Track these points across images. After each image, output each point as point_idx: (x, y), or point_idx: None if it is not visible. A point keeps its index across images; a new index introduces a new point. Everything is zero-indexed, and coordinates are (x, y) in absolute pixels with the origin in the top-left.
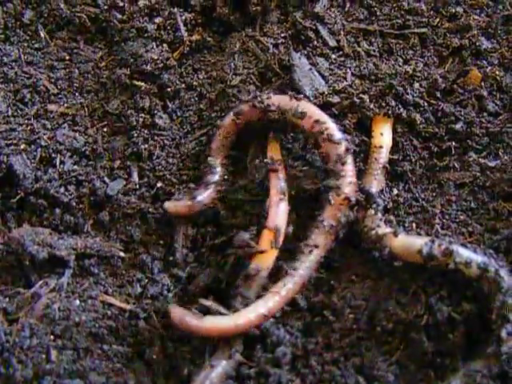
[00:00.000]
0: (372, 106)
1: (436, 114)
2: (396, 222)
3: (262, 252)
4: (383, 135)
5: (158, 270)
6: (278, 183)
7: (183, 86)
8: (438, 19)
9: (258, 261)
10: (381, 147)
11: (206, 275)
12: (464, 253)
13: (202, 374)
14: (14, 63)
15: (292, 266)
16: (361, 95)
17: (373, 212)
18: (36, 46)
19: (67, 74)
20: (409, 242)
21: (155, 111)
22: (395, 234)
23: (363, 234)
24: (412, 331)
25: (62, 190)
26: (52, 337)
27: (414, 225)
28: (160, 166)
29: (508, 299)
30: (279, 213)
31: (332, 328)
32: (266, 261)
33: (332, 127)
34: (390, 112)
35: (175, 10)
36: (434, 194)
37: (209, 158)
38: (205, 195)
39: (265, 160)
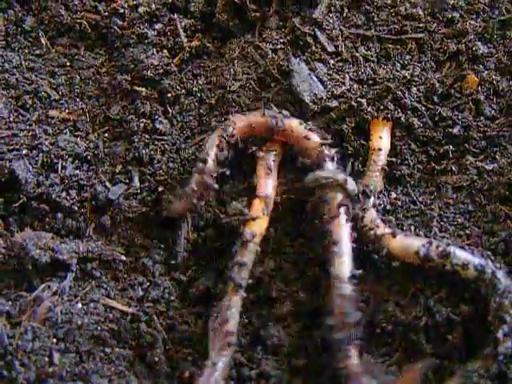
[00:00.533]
0: (370, 109)
1: (433, 118)
2: (395, 223)
3: (254, 219)
4: (382, 138)
5: (160, 273)
6: (265, 160)
7: (183, 91)
8: (434, 24)
9: (251, 227)
10: (379, 150)
11: (207, 279)
12: (461, 254)
13: (206, 373)
14: (15, 69)
15: None
16: (359, 99)
17: (371, 212)
18: (37, 52)
19: (68, 79)
20: (407, 242)
21: (156, 116)
22: (393, 235)
23: (362, 234)
24: (411, 333)
25: (64, 194)
26: (54, 340)
27: (412, 228)
28: (161, 171)
29: (504, 301)
30: (268, 183)
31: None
32: (259, 227)
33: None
34: (388, 115)
35: (175, 16)
36: (432, 197)
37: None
38: (192, 183)
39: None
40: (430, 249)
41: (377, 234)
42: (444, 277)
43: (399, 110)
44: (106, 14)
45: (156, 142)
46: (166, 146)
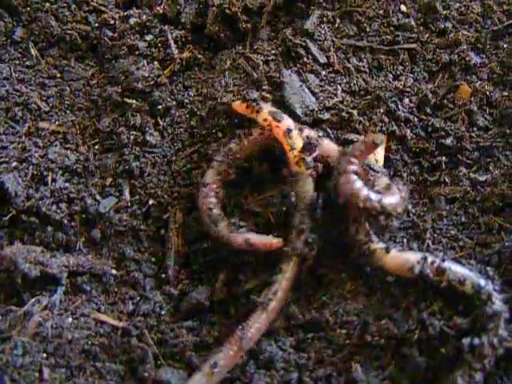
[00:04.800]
0: (362, 120)
1: (426, 129)
2: (388, 236)
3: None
4: (378, 151)
5: (150, 287)
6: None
7: (174, 103)
8: (427, 35)
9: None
10: (375, 162)
11: (198, 292)
12: (458, 271)
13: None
14: (5, 81)
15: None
16: (350, 110)
17: (364, 226)
18: (27, 63)
19: (58, 91)
20: (401, 259)
21: (146, 128)
22: (387, 250)
23: (356, 249)
24: (404, 346)
25: (54, 207)
26: (45, 355)
27: (405, 240)
28: (151, 184)
29: (490, 324)
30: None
31: (324, 344)
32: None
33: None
34: (383, 129)
35: (166, 27)
36: (425, 209)
37: None
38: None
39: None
40: (425, 265)
41: (370, 248)
42: (437, 290)
43: (393, 123)
44: (97, 25)
45: (147, 155)
46: (157, 158)
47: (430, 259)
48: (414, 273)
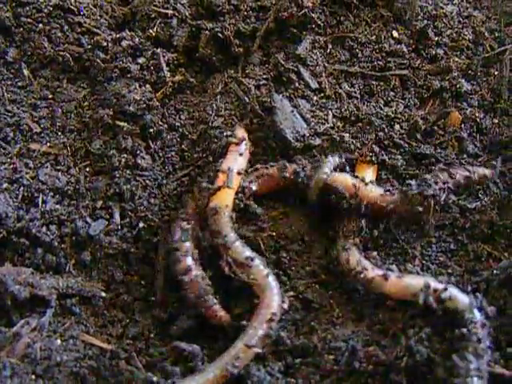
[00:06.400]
0: (352, 144)
1: (416, 156)
2: (378, 259)
3: (218, 189)
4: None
5: (139, 310)
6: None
7: (165, 126)
8: (418, 61)
9: (216, 200)
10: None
11: (187, 316)
12: (464, 300)
13: None
14: None
15: None
16: (341, 134)
17: (354, 253)
18: (19, 84)
19: (50, 112)
20: (403, 284)
21: (137, 152)
22: (385, 278)
23: (350, 278)
24: (392, 373)
25: (44, 229)
26: (33, 376)
27: (394, 266)
28: (142, 207)
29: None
30: (232, 159)
31: (312, 369)
32: (223, 199)
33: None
34: (373, 158)
35: (158, 50)
36: (414, 235)
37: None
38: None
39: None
40: (429, 295)
41: (367, 277)
42: (425, 316)
43: (383, 153)
44: (89, 46)
45: (137, 178)
46: (148, 181)
47: (432, 286)
48: (418, 301)
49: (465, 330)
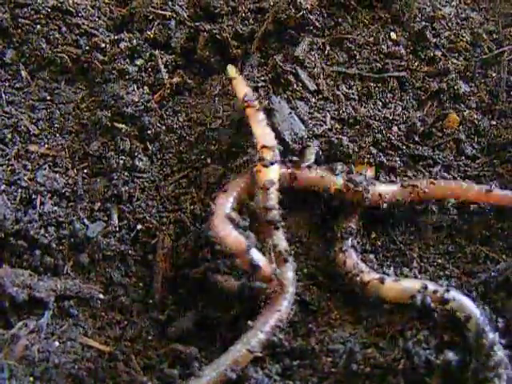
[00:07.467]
0: (351, 147)
1: (414, 158)
2: (375, 263)
3: (266, 166)
4: None
5: (137, 312)
6: (257, 114)
7: (163, 128)
8: (416, 63)
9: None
10: None
11: (185, 318)
12: (467, 305)
13: None
14: None
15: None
16: (339, 136)
17: (351, 255)
18: (17, 85)
19: (48, 114)
20: (399, 288)
21: (135, 153)
22: (381, 281)
23: (347, 280)
24: (390, 375)
25: (42, 231)
26: (31, 378)
27: (391, 268)
28: (140, 209)
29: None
30: (267, 133)
31: (310, 372)
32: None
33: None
34: (371, 160)
35: (156, 52)
36: (412, 238)
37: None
38: None
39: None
40: (427, 296)
41: (363, 280)
42: (423, 319)
43: (381, 155)
44: (87, 48)
45: (135, 180)
46: (146, 183)
47: (430, 287)
48: (415, 303)
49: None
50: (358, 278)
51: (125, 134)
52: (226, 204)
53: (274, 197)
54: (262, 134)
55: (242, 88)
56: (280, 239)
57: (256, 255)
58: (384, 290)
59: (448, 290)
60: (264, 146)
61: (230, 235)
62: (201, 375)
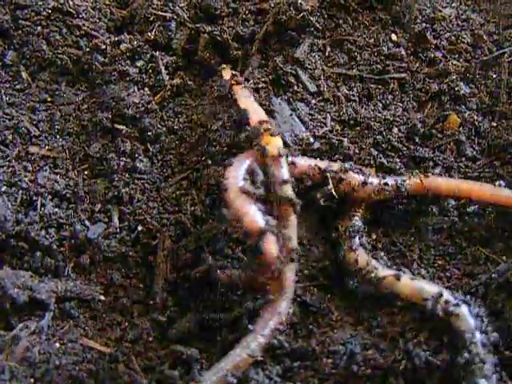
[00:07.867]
0: (351, 148)
1: (415, 159)
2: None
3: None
4: None
5: (138, 313)
6: (244, 90)
7: (164, 129)
8: (417, 64)
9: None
10: None
11: (186, 320)
12: (470, 321)
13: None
14: None
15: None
16: (340, 137)
17: (361, 253)
18: (18, 87)
19: (49, 115)
20: (416, 287)
21: (136, 155)
22: (397, 278)
23: (358, 277)
24: (390, 376)
25: (43, 233)
26: (32, 380)
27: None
28: (140, 210)
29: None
30: (258, 107)
31: (311, 373)
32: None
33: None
34: (371, 162)
35: (157, 53)
36: (413, 239)
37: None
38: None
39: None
40: (438, 304)
41: (379, 276)
42: (423, 321)
43: (382, 156)
44: (88, 49)
45: (136, 181)
46: (146, 184)
47: (444, 296)
48: (426, 305)
49: (466, 353)
50: (373, 275)
51: (125, 135)
52: (237, 177)
53: (286, 170)
54: (255, 109)
55: (229, 71)
56: (293, 233)
57: (269, 240)
58: (399, 287)
59: (458, 305)
60: (262, 121)
61: (248, 213)
62: (201, 380)
